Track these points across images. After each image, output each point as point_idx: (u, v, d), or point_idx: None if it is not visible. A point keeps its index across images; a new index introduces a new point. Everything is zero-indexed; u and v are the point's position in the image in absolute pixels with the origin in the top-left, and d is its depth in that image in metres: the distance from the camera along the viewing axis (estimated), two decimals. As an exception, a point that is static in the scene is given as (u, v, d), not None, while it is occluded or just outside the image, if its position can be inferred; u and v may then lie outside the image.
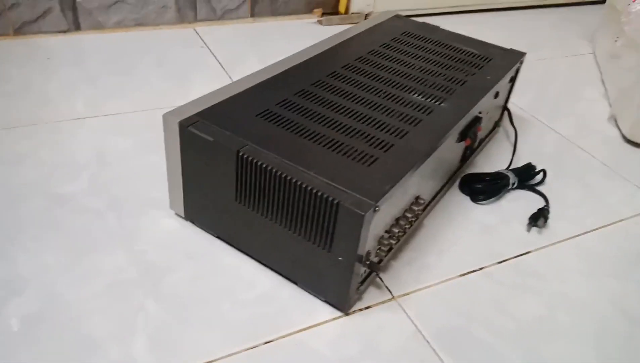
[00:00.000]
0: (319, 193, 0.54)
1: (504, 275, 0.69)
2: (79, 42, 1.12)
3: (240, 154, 0.58)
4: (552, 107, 1.11)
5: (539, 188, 0.85)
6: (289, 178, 0.55)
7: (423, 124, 0.67)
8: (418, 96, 0.73)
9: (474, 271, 0.69)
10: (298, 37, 1.27)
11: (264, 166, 0.56)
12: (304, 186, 0.54)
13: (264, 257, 0.64)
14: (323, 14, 1.37)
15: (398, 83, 0.76)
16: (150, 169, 0.79)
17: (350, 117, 0.66)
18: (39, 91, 0.95)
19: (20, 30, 1.11)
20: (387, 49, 0.86)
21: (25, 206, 0.70)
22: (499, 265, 0.71)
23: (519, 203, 0.81)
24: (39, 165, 0.77)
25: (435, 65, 0.82)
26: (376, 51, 0.85)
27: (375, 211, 0.53)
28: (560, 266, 0.72)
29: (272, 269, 0.65)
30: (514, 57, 0.88)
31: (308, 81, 0.73)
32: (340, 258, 0.56)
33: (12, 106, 0.90)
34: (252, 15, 1.32)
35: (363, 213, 0.51)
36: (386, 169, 0.58)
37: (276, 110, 0.66)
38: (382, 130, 0.65)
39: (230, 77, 1.06)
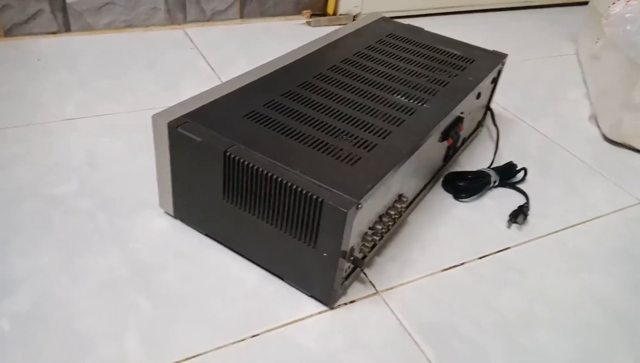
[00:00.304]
0: (304, 191, 0.55)
1: (485, 270, 0.71)
2: (70, 44, 1.13)
3: (228, 154, 0.59)
4: (535, 107, 1.14)
5: (520, 185, 0.87)
6: (274, 176, 0.57)
7: (406, 125, 0.69)
8: (401, 97, 0.75)
9: (455, 266, 0.71)
10: (287, 38, 1.29)
11: (251, 165, 0.58)
12: (289, 184, 0.56)
13: (251, 254, 0.66)
14: (312, 15, 1.39)
15: (382, 84, 0.78)
16: (141, 169, 0.80)
17: (335, 117, 0.68)
18: (30, 93, 0.96)
19: (10, 31, 1.12)
20: (372, 50, 0.88)
21: (18, 208, 0.71)
22: (480, 260, 0.73)
23: (500, 201, 0.84)
24: (31, 167, 0.79)
25: (418, 66, 0.84)
26: (361, 53, 0.87)
27: (357, 208, 0.55)
28: (539, 262, 0.74)
29: (259, 265, 0.67)
30: (496, 59, 0.91)
31: (295, 82, 0.75)
32: (324, 254, 0.58)
33: (3, 108, 0.91)
34: (241, 16, 1.33)
35: (346, 211, 0.53)
36: (369, 169, 0.60)
37: (263, 111, 0.68)
38: (366, 130, 0.67)
39: (219, 78, 1.08)
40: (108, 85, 1.01)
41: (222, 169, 0.61)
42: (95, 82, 1.01)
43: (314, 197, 0.55)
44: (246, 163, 0.58)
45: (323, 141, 0.63)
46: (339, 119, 0.68)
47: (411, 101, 0.75)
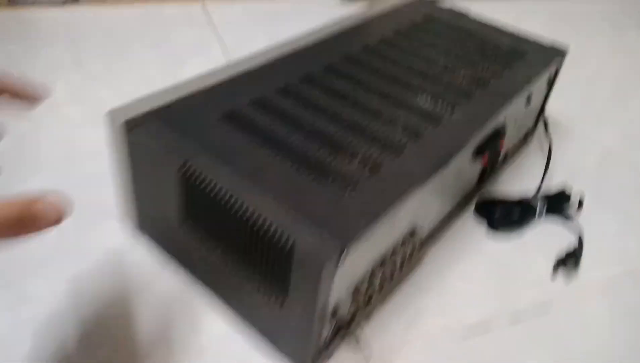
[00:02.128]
0: (272, 226, 0.41)
1: (516, 334, 0.55)
2: (75, 18, 1.03)
3: (185, 166, 0.46)
4: (599, 113, 0.95)
5: (574, 218, 0.70)
6: (236, 201, 0.43)
7: (426, 138, 0.53)
8: (426, 99, 0.59)
9: (478, 326, 0.56)
10: (317, 19, 1.13)
11: (210, 182, 0.45)
12: (253, 213, 0.42)
13: (214, 289, 0.53)
14: (346, -6, 1.23)
15: (404, 81, 0.62)
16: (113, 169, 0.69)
17: (334, 124, 0.53)
18: (19, 70, 0.86)
19: (14, 0, 1.03)
20: (402, 37, 0.72)
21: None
22: (511, 320, 0.57)
23: (546, 237, 0.67)
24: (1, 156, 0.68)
25: (455, 59, 0.68)
26: (388, 40, 0.71)
27: (343, 255, 0.41)
28: (586, 321, 0.57)
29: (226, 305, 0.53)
30: (554, 54, 0.73)
31: (296, 74, 0.61)
32: (298, 312, 0.44)
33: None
34: (267, -7, 1.19)
35: (323, 260, 0.39)
36: (367, 198, 0.45)
37: (246, 111, 0.54)
38: (371, 144, 0.52)
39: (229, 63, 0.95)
40: (105, 67, 0.90)
41: (180, 184, 0.48)
42: (92, 63, 0.90)
43: (284, 235, 0.41)
44: (205, 179, 0.45)
45: (312, 156, 0.49)
46: (339, 127, 0.53)
47: (438, 104, 0.59)
